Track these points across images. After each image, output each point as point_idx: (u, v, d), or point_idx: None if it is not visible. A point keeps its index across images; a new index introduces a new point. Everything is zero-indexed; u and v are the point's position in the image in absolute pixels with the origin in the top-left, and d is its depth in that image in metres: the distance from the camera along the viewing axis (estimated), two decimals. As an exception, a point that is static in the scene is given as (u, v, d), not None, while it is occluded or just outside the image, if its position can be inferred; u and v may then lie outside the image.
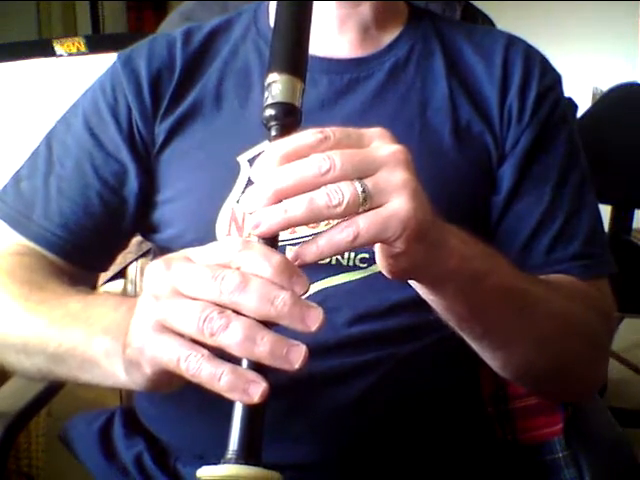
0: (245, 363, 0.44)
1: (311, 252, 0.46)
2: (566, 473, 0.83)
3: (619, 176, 2.02)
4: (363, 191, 0.45)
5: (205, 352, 0.44)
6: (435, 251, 0.50)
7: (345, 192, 0.44)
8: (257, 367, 0.44)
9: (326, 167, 0.44)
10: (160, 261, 0.47)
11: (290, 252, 0.70)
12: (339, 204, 0.44)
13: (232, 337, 0.43)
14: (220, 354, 0.45)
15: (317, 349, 0.69)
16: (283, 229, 0.45)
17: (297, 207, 0.44)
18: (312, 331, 0.43)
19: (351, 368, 0.70)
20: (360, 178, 0.45)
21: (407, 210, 0.45)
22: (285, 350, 0.43)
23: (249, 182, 0.70)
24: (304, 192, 0.45)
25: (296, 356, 0.43)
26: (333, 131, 0.46)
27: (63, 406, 1.06)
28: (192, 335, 0.44)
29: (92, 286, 0.81)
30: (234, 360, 0.44)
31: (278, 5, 0.57)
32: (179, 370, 0.45)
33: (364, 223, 0.45)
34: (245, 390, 0.43)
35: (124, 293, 1.08)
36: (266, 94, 0.51)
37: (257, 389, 0.43)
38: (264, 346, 0.43)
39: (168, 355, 0.45)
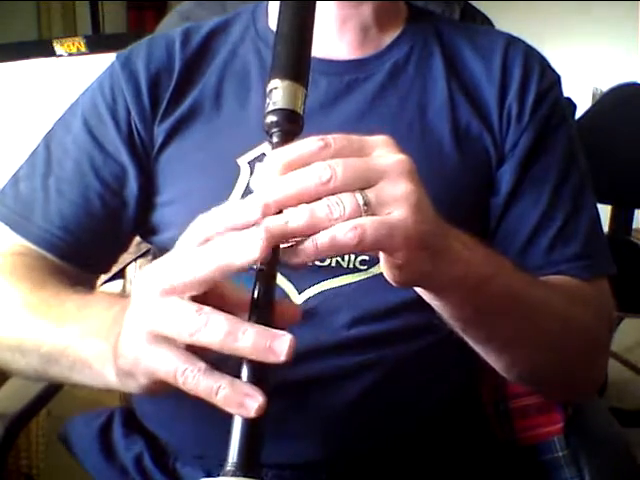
0: (245, 374, 0.43)
1: (309, 251, 0.44)
2: (566, 473, 0.83)
3: (619, 176, 2.02)
4: (365, 203, 0.44)
5: (202, 366, 0.44)
6: (439, 260, 0.50)
7: (346, 204, 0.43)
8: (256, 376, 0.43)
9: (327, 176, 0.43)
10: (149, 267, 0.47)
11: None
12: (340, 217, 0.43)
13: (212, 335, 0.42)
14: (219, 361, 0.44)
15: (317, 350, 0.69)
16: (283, 240, 0.44)
17: (298, 218, 0.43)
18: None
19: (350, 369, 0.70)
20: (362, 188, 0.44)
21: (409, 223, 0.45)
22: (269, 342, 0.42)
23: (248, 187, 0.70)
24: (305, 202, 0.44)
25: (281, 347, 0.42)
26: (335, 138, 0.45)
27: (63, 406, 1.06)
28: (178, 339, 0.44)
29: (92, 287, 0.80)
30: (234, 369, 0.44)
31: (281, 10, 0.56)
32: (176, 383, 0.45)
33: (370, 228, 0.43)
34: (242, 404, 0.42)
35: (123, 293, 1.08)
36: (267, 100, 0.50)
37: (254, 403, 0.42)
38: (246, 340, 0.42)
39: (165, 368, 0.45)
